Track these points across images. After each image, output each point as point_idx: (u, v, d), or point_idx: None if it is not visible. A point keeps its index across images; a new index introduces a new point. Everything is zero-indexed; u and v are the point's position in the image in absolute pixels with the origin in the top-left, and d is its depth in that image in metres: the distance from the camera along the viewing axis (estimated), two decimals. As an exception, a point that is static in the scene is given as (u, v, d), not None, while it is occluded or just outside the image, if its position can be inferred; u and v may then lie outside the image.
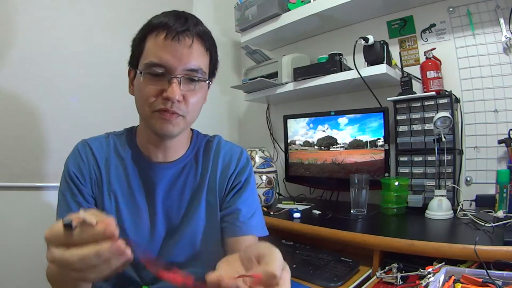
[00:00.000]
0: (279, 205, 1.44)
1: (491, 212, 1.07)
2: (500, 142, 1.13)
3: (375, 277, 0.86)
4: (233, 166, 0.78)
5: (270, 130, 1.92)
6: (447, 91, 1.21)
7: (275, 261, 0.38)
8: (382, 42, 1.27)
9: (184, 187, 0.75)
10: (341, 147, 1.44)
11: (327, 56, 1.47)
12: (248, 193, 0.77)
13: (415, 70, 1.34)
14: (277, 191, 1.62)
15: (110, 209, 0.72)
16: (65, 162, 0.73)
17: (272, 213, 1.30)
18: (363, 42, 1.27)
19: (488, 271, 0.68)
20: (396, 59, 1.39)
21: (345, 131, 1.42)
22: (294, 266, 0.98)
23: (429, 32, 1.33)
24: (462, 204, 1.13)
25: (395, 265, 0.85)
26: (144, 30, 0.67)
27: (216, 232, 0.75)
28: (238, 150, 0.81)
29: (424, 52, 1.27)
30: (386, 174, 1.28)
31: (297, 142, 1.60)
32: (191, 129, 0.83)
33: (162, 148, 0.73)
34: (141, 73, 0.65)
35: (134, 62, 0.69)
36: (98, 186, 0.72)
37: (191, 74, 0.65)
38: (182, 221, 0.73)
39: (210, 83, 0.74)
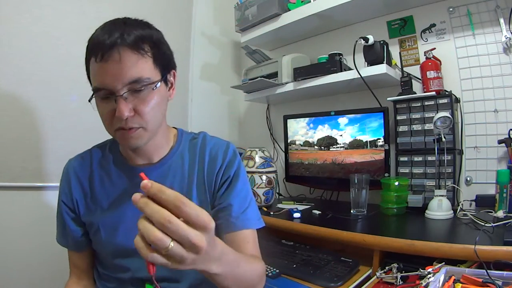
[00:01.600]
0: (279, 205, 1.44)
1: (491, 212, 1.07)
2: (500, 142, 1.13)
3: (375, 277, 0.86)
4: (220, 160, 0.76)
5: (270, 130, 1.92)
6: (447, 91, 1.21)
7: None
8: (382, 42, 1.27)
9: (173, 186, 0.74)
10: (341, 147, 1.44)
11: (327, 56, 1.47)
12: (240, 187, 0.76)
13: (415, 70, 1.34)
14: (277, 191, 1.63)
15: (96, 220, 0.73)
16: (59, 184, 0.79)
17: (272, 213, 1.30)
18: (363, 42, 1.27)
19: (488, 271, 0.68)
20: (396, 59, 1.38)
21: (345, 131, 1.42)
22: (294, 266, 0.98)
23: (429, 32, 1.33)
24: (462, 204, 1.13)
25: (395, 265, 0.85)
26: (86, 53, 0.66)
27: None
28: (224, 144, 0.80)
29: (424, 52, 1.27)
30: (386, 174, 1.28)
31: (297, 142, 1.60)
32: (175, 128, 0.83)
33: (141, 153, 0.74)
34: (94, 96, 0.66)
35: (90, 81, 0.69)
36: (85, 201, 0.75)
37: (133, 86, 0.63)
38: None
39: (172, 71, 0.73)
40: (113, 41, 0.60)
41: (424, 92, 1.24)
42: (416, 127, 1.22)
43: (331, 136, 1.47)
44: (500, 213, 1.03)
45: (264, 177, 1.45)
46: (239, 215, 0.72)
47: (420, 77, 1.31)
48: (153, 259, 0.39)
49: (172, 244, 0.39)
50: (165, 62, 0.70)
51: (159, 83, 0.67)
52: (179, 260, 0.40)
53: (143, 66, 0.64)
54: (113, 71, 0.61)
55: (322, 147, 1.50)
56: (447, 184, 1.12)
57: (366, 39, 1.26)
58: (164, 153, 0.76)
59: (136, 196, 0.40)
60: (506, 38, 1.15)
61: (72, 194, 0.75)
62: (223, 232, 0.72)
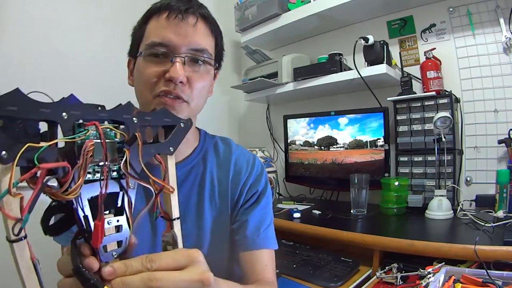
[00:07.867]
0: (279, 205, 1.44)
1: (491, 212, 1.07)
2: (500, 142, 1.13)
3: (375, 277, 0.86)
4: (246, 173, 0.72)
5: (270, 130, 1.92)
6: (447, 91, 1.21)
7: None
8: (382, 42, 1.27)
9: (191, 190, 0.69)
10: (341, 147, 1.44)
11: (327, 56, 1.47)
12: (264, 203, 0.71)
13: (415, 70, 1.34)
14: (277, 191, 1.63)
15: None
16: None
17: (272, 213, 1.29)
18: (363, 42, 1.27)
19: (488, 271, 0.68)
20: (396, 59, 1.39)
21: (345, 131, 1.43)
22: (294, 266, 0.98)
23: (429, 32, 1.33)
24: (462, 204, 1.13)
25: (395, 265, 0.85)
26: (145, 14, 0.63)
27: (224, 238, 0.69)
28: (251, 156, 0.75)
29: (424, 52, 1.27)
30: (386, 174, 1.28)
31: (297, 142, 1.60)
32: (197, 128, 0.77)
33: None
34: (141, 55, 0.60)
35: (134, 50, 0.64)
36: None
37: (196, 54, 0.59)
38: (187, 227, 0.66)
39: (217, 71, 0.70)
40: (192, 5, 0.60)
41: (424, 92, 1.24)
42: (416, 127, 1.22)
43: (331, 136, 1.47)
44: (500, 213, 1.03)
45: (264, 177, 1.45)
46: (260, 232, 0.67)
47: (420, 77, 1.31)
48: None
49: None
50: (220, 56, 0.69)
51: (215, 66, 0.66)
52: None
53: (210, 42, 0.63)
54: (184, 31, 0.58)
55: (322, 147, 1.50)
56: (447, 184, 1.12)
57: (366, 39, 1.26)
58: (188, 153, 0.70)
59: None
60: (506, 38, 1.15)
61: None
62: (239, 250, 0.67)
